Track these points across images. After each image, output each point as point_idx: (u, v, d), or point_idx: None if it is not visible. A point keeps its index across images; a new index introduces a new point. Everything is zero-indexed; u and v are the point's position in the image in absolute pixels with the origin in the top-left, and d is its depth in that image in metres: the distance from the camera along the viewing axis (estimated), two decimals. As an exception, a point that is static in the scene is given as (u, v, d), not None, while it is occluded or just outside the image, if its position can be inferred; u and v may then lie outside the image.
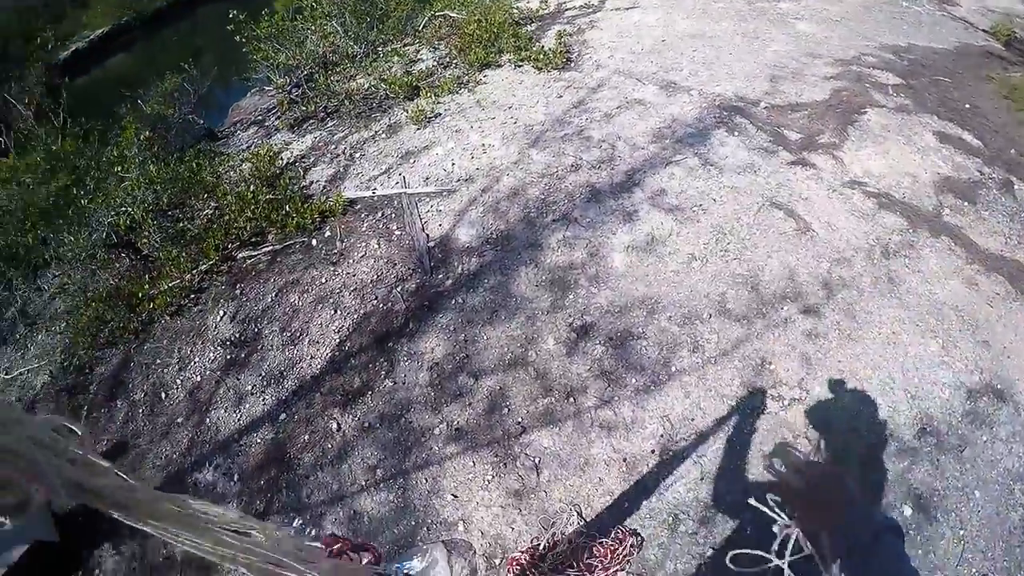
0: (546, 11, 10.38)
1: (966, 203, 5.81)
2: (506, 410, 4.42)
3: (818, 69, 7.72)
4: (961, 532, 3.84)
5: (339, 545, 1.80)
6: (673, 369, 4.51)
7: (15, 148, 8.66)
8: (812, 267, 5.12)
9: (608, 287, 5.08)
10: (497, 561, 3.85)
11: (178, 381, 5.22)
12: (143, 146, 7.12)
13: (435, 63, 8.86)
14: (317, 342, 5.10)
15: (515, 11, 10.01)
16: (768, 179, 5.93)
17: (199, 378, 5.18)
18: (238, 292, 5.67)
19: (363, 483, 4.26)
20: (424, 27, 9.96)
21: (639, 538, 3.78)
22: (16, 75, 11.67)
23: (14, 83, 10.81)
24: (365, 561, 1.86)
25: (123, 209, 6.30)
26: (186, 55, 9.75)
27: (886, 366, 4.49)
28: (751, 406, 4.30)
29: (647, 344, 4.67)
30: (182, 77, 8.98)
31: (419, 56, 9.25)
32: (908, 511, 3.86)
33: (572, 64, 8.22)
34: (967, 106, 7.27)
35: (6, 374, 6.20)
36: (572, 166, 6.24)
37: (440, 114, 7.47)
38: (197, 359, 5.30)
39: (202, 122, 9.06)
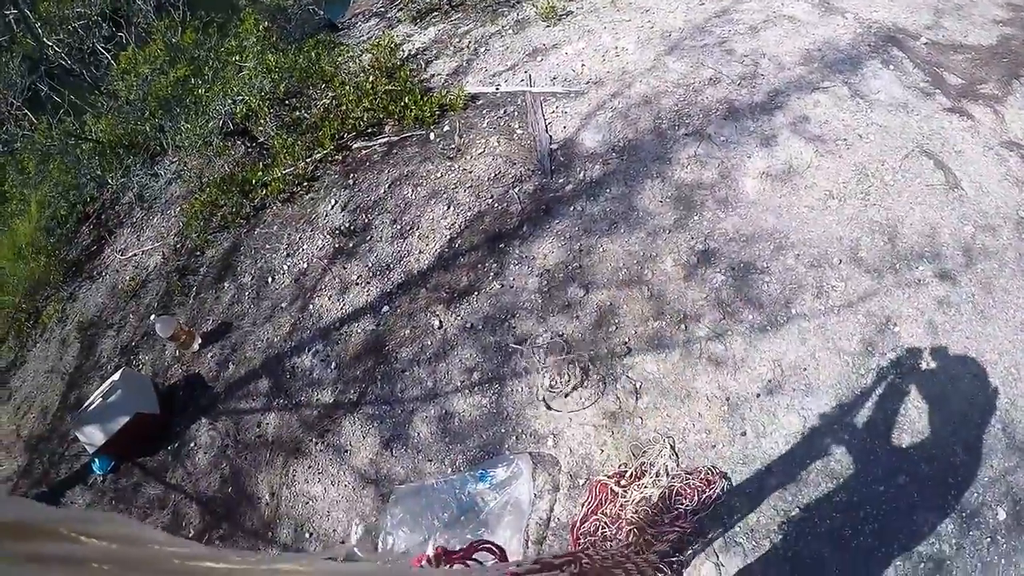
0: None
1: None
2: (614, 327, 4.25)
3: (987, 9, 6.99)
4: None
5: (459, 552, 1.64)
6: (793, 312, 4.22)
7: (135, 41, 8.84)
8: (955, 228, 4.62)
9: (736, 213, 4.76)
10: (581, 481, 3.77)
11: (285, 267, 5.28)
12: (261, 36, 7.13)
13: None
14: (427, 237, 5.02)
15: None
16: (921, 123, 5.37)
17: (306, 265, 5.22)
18: (351, 182, 5.63)
19: (458, 384, 4.22)
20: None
21: (728, 482, 3.63)
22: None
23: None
24: (490, 562, 1.69)
25: (240, 98, 6.35)
26: None
27: (1014, 353, 4.03)
28: (867, 366, 3.99)
29: (770, 280, 4.38)
30: None
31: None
32: (1002, 515, 3.52)
33: (718, -34, 7.67)
34: None
35: (121, 255, 6.43)
36: (711, 79, 5.82)
37: (572, 12, 7.09)
38: (305, 246, 5.33)
39: (322, 13, 8.98)
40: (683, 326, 4.21)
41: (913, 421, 3.76)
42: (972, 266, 4.42)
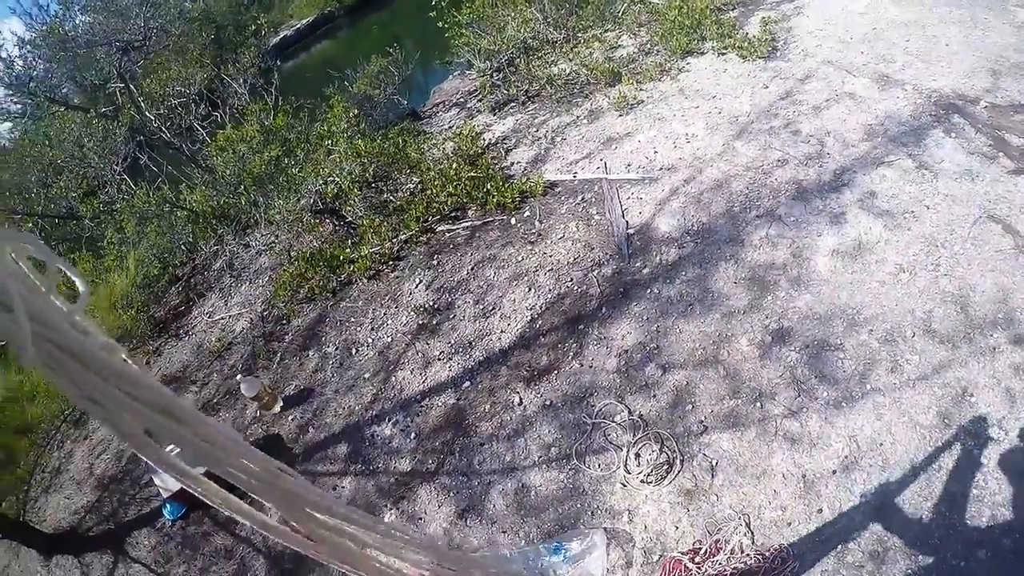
0: (748, -3, 10.01)
1: None
2: (690, 406, 4.37)
3: (1045, 65, 6.99)
4: None
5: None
6: (868, 387, 4.25)
7: (230, 121, 9.47)
8: (1026, 295, 4.64)
9: (809, 292, 4.88)
10: (655, 557, 3.83)
11: (369, 340, 5.58)
12: (350, 122, 7.59)
13: (636, 50, 8.79)
14: (508, 317, 5.27)
15: (717, -3, 9.70)
16: (987, 188, 5.39)
17: (390, 339, 5.51)
18: (435, 263, 5.96)
19: (536, 459, 4.37)
20: (623, 13, 9.86)
21: (797, 563, 3.64)
22: (232, 57, 12.74)
23: (230, 64, 11.76)
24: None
25: (331, 179, 6.76)
26: (386, 41, 10.27)
27: None
28: (944, 439, 3.97)
29: (844, 357, 4.44)
30: (387, 60, 9.46)
31: (619, 43, 9.20)
32: None
33: (778, 53, 7.88)
34: None
35: (209, 317, 6.84)
36: (779, 160, 6.02)
37: (642, 101, 7.41)
38: (390, 322, 5.63)
39: (405, 102, 9.50)
40: (758, 404, 4.30)
41: (993, 493, 3.72)
42: None
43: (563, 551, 3.87)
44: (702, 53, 8.29)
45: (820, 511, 3.82)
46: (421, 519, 4.33)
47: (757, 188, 5.77)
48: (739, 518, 3.85)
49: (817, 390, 4.31)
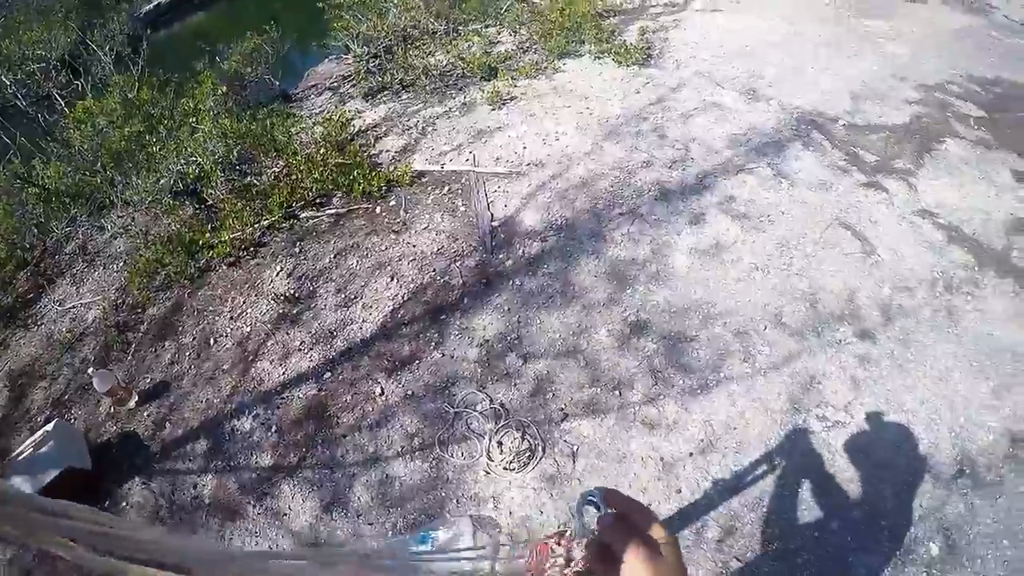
0: (630, 6, 10.27)
1: None
2: (551, 395, 4.42)
3: (901, 92, 7.53)
4: None
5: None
6: (722, 376, 4.48)
7: (92, 92, 8.86)
8: (873, 291, 5.03)
9: (667, 287, 5.05)
10: (521, 542, 3.83)
11: (228, 329, 5.31)
12: (219, 100, 7.25)
13: (515, 47, 8.87)
14: (370, 307, 5.15)
15: (599, 2, 9.94)
16: (839, 198, 5.83)
17: (249, 329, 5.26)
18: (297, 250, 5.75)
19: (399, 449, 4.30)
20: (506, 10, 9.92)
21: None
22: (100, 22, 11.93)
23: (97, 30, 11.01)
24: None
25: (193, 159, 6.42)
26: (265, 18, 9.88)
27: (934, 401, 4.39)
28: (794, 422, 4.24)
29: (699, 348, 4.64)
30: (262, 38, 9.05)
31: (499, 39, 9.27)
32: (935, 549, 3.77)
33: (652, 61, 8.15)
34: None
35: (60, 305, 6.37)
36: (644, 162, 6.21)
37: (516, 97, 7.47)
38: (250, 311, 5.38)
39: (278, 83, 9.15)
40: (617, 392, 4.41)
41: (842, 470, 4.01)
42: (890, 324, 4.80)
43: (430, 540, 3.81)
44: (579, 56, 8.45)
45: (679, 491, 3.96)
46: (286, 515, 4.16)
47: (622, 187, 5.93)
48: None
49: (674, 379, 4.48)
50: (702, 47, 8.48)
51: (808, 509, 3.87)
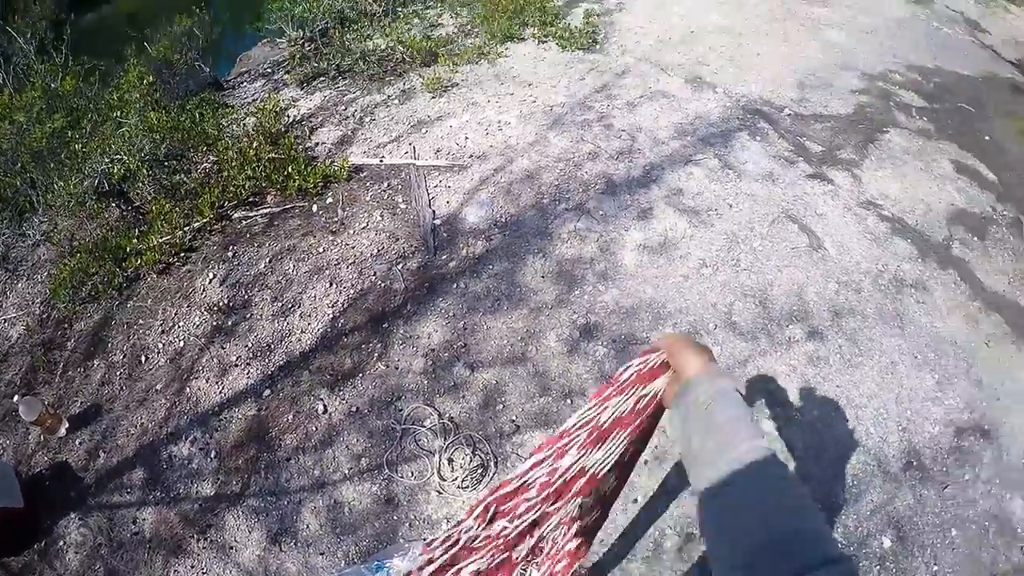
0: (576, -15, 10.11)
1: (975, 238, 5.75)
2: (501, 406, 4.29)
3: (846, 81, 7.57)
4: (935, 568, 3.84)
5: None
6: (675, 378, 4.40)
7: (12, 83, 8.34)
8: (821, 287, 5.04)
9: (616, 286, 4.95)
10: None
11: (160, 345, 4.97)
12: (145, 91, 6.86)
13: (456, 30, 8.62)
14: (309, 316, 4.90)
15: (544, -19, 9.72)
16: (786, 190, 5.82)
17: (182, 343, 4.93)
18: (230, 254, 5.43)
19: (346, 471, 4.11)
20: (446, -11, 9.66)
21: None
22: (20, 5, 11.25)
23: (18, 15, 10.37)
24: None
25: (118, 156, 6.06)
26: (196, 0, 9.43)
27: (882, 396, 4.45)
28: None
29: (650, 350, 4.56)
30: (192, 21, 8.51)
31: (440, 21, 9.00)
32: (887, 542, 3.85)
33: (598, 46, 8.00)
34: (987, 138, 7.18)
35: (-19, 323, 5.98)
36: (590, 154, 6.08)
37: (457, 84, 7.24)
38: (182, 323, 5.06)
39: (208, 70, 8.72)
40: (569, 400, 4.30)
41: (795, 470, 4.01)
42: (838, 321, 4.82)
43: (386, 569, 3.62)
44: (522, 39, 8.24)
45: (635, 501, 3.89)
46: (232, 548, 3.94)
47: (567, 181, 5.79)
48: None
49: (626, 384, 4.35)
50: (647, 32, 8.37)
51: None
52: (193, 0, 9.08)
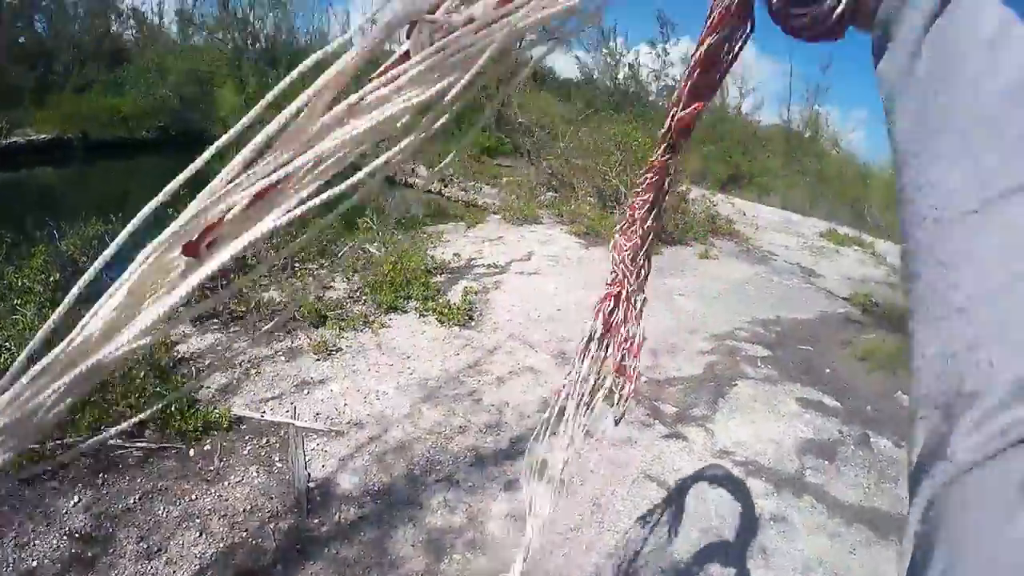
0: (457, 264, 11.07)
1: (826, 461, 6.42)
2: None
3: (695, 344, 8.50)
4: None
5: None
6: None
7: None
8: (684, 537, 5.36)
9: (484, 554, 5.08)
10: None
11: (12, 559, 4.57)
12: (50, 287, 6.90)
13: (346, 295, 9.15)
14: (175, 563, 4.68)
15: (429, 259, 10.61)
16: (644, 452, 6.34)
17: (35, 564, 4.56)
18: (100, 482, 5.25)
19: None
20: (342, 255, 10.35)
21: None
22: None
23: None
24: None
25: (7, 346, 5.95)
26: (109, 193, 9.48)
27: None
28: None
29: (518, 622, 4.65)
30: (107, 228, 8.63)
31: (332, 283, 9.54)
32: None
33: (473, 322, 8.72)
34: (827, 370, 8.17)
35: None
36: (461, 427, 6.46)
37: (341, 349, 7.64)
38: (39, 542, 4.71)
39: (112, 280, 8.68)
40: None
41: None
42: (705, 567, 5.10)
43: None
44: (405, 311, 8.90)
45: None
46: None
47: (438, 452, 6.10)
48: None
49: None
50: (518, 310, 9.27)
51: None
52: (107, 195, 9.19)
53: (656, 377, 7.65)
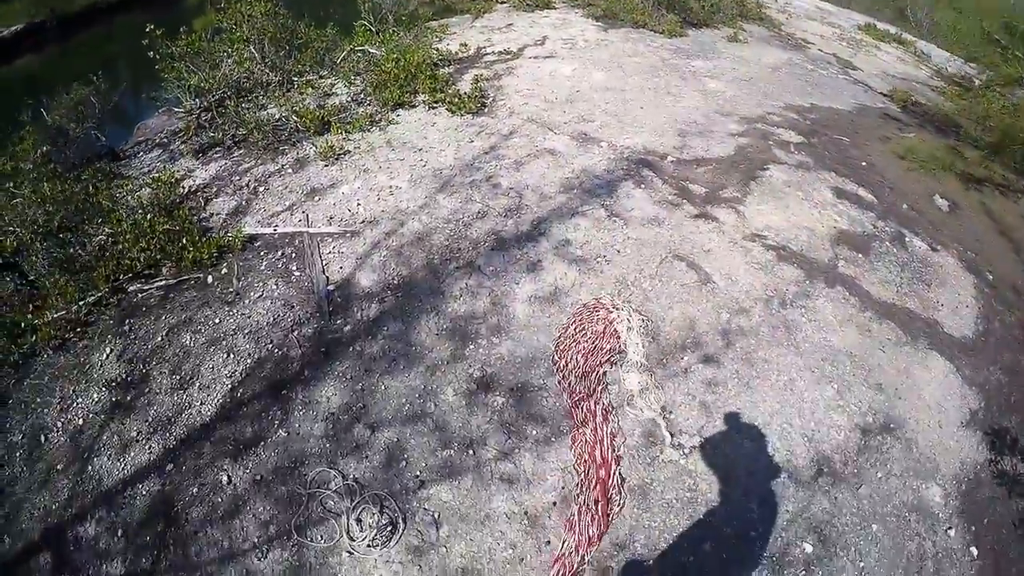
0: (465, 54, 10.50)
1: (860, 255, 6.18)
2: (404, 463, 4.33)
3: (725, 126, 8.02)
4: (861, 564, 4.07)
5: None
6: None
7: None
8: (712, 317, 5.30)
9: (510, 337, 5.08)
10: None
11: (59, 423, 4.83)
12: (40, 161, 6.74)
13: (349, 99, 8.77)
14: (208, 387, 4.85)
15: (434, 52, 10.05)
16: (672, 232, 6.11)
17: (81, 421, 4.80)
18: (127, 328, 5.34)
19: (255, 540, 4.06)
20: (342, 61, 9.81)
21: None
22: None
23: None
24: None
25: (11, 229, 5.92)
26: (97, 65, 9.26)
27: (783, 411, 4.70)
28: (651, 455, 4.38)
29: (548, 396, 4.70)
30: (89, 89, 8.39)
31: (334, 90, 9.13)
32: (809, 548, 4.05)
33: (486, 109, 8.30)
34: (863, 164, 7.70)
35: None
36: (479, 213, 6.26)
37: (349, 151, 7.38)
38: (80, 400, 4.92)
39: (104, 139, 8.57)
40: (471, 451, 4.37)
41: (705, 493, 4.20)
42: (732, 346, 5.08)
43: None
44: (413, 106, 8.48)
45: (548, 543, 3.98)
46: None
47: (457, 240, 5.94)
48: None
49: (526, 430, 4.50)
50: (534, 93, 8.75)
51: (681, 536, 4.02)
52: (91, 66, 8.93)
53: (684, 157, 7.29)
